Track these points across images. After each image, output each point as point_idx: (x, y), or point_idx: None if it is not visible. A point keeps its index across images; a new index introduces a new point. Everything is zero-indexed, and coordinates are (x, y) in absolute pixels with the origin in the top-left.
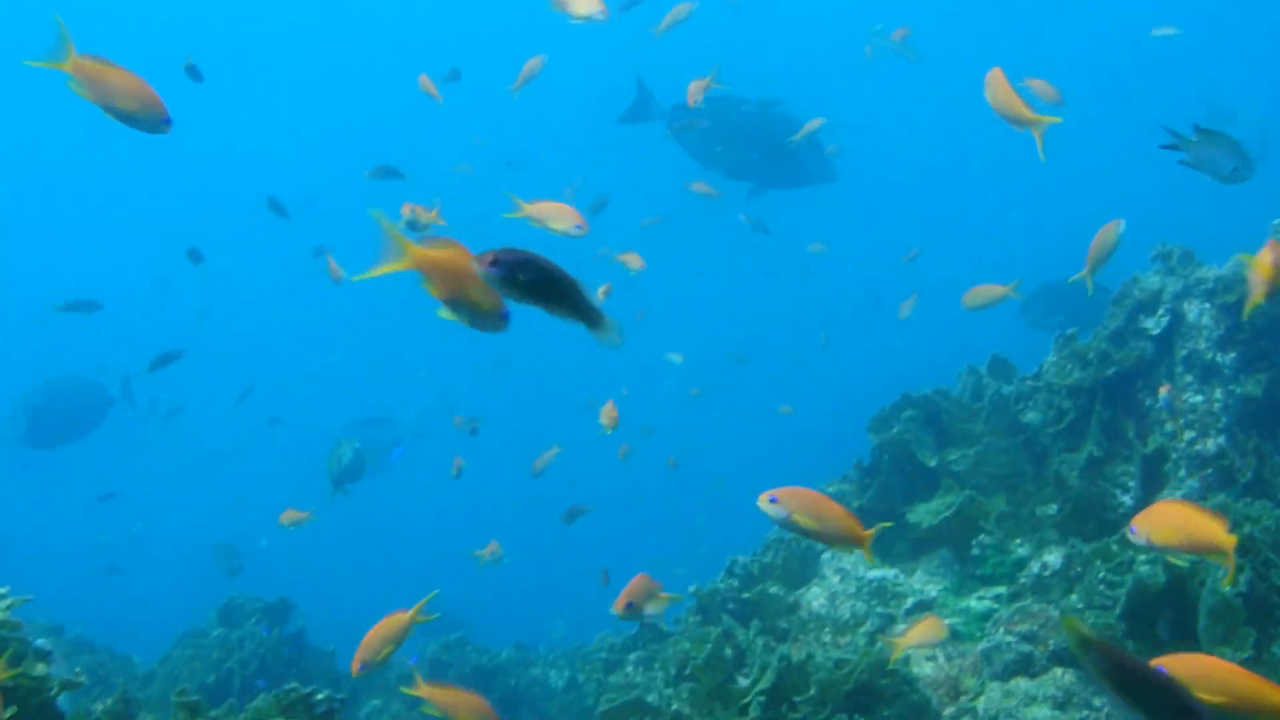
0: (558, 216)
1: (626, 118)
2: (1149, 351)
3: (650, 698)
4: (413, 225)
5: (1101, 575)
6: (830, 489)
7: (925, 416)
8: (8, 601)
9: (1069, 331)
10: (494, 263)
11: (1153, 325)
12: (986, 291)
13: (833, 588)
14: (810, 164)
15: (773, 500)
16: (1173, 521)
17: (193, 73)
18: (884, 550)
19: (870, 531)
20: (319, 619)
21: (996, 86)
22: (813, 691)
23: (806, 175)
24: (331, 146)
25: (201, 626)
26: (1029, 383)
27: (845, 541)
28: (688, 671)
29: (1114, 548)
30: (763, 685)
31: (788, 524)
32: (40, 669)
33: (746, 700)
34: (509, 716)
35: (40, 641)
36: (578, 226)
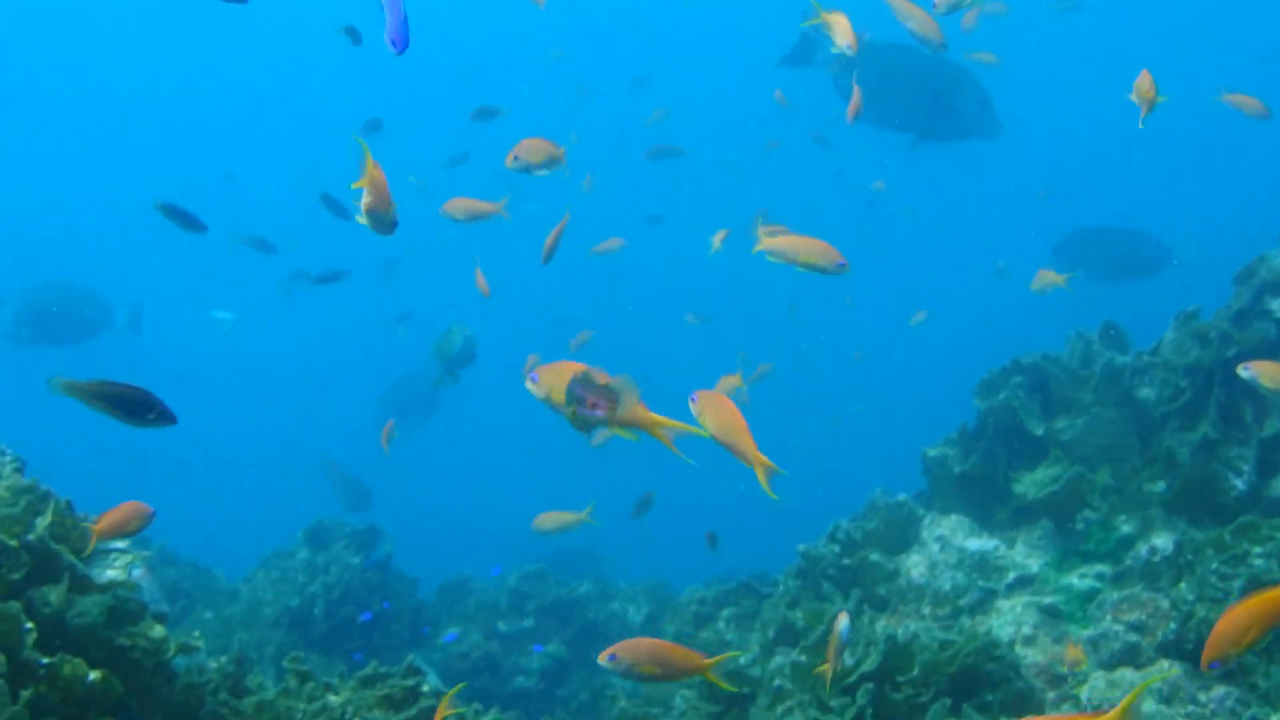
0: (814, 253)
1: (787, 61)
2: (1272, 334)
3: (743, 660)
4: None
5: (1214, 566)
6: (933, 452)
7: (1033, 383)
8: (126, 559)
9: (1190, 309)
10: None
11: (1279, 308)
12: (1046, 277)
13: (933, 556)
14: (971, 117)
15: (692, 399)
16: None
17: (353, 35)
18: (984, 518)
19: (766, 461)
20: (402, 540)
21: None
22: (916, 672)
23: (966, 129)
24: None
25: (289, 547)
26: (1145, 358)
27: (743, 458)
28: (799, 653)
29: (1227, 538)
30: (868, 667)
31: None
32: (158, 631)
33: (851, 680)
34: (587, 650)
35: (156, 600)
36: (839, 265)
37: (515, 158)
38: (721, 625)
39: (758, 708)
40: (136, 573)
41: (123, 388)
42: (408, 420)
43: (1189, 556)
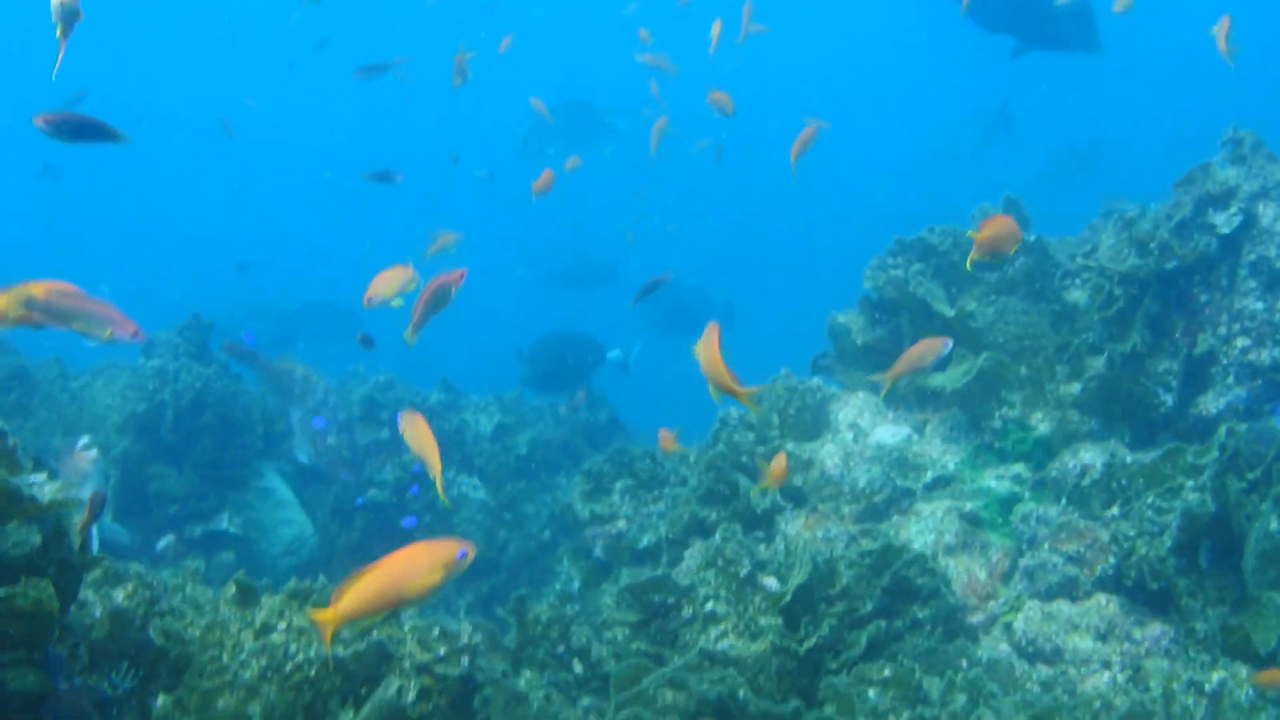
0: None
1: None
2: (1213, 248)
3: (647, 541)
4: None
5: (1150, 500)
6: (841, 319)
7: (934, 270)
8: (54, 485)
9: (1130, 213)
10: None
11: (1223, 223)
12: None
13: (847, 446)
14: (1071, 29)
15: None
16: None
17: None
18: (890, 395)
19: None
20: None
21: None
22: (846, 582)
23: (1066, 39)
24: None
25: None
26: (1079, 260)
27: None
28: (730, 580)
29: (1159, 467)
30: (799, 580)
31: None
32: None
33: (786, 602)
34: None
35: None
36: None
37: None
38: (615, 497)
39: (688, 627)
40: None
41: None
42: None
43: (1121, 481)
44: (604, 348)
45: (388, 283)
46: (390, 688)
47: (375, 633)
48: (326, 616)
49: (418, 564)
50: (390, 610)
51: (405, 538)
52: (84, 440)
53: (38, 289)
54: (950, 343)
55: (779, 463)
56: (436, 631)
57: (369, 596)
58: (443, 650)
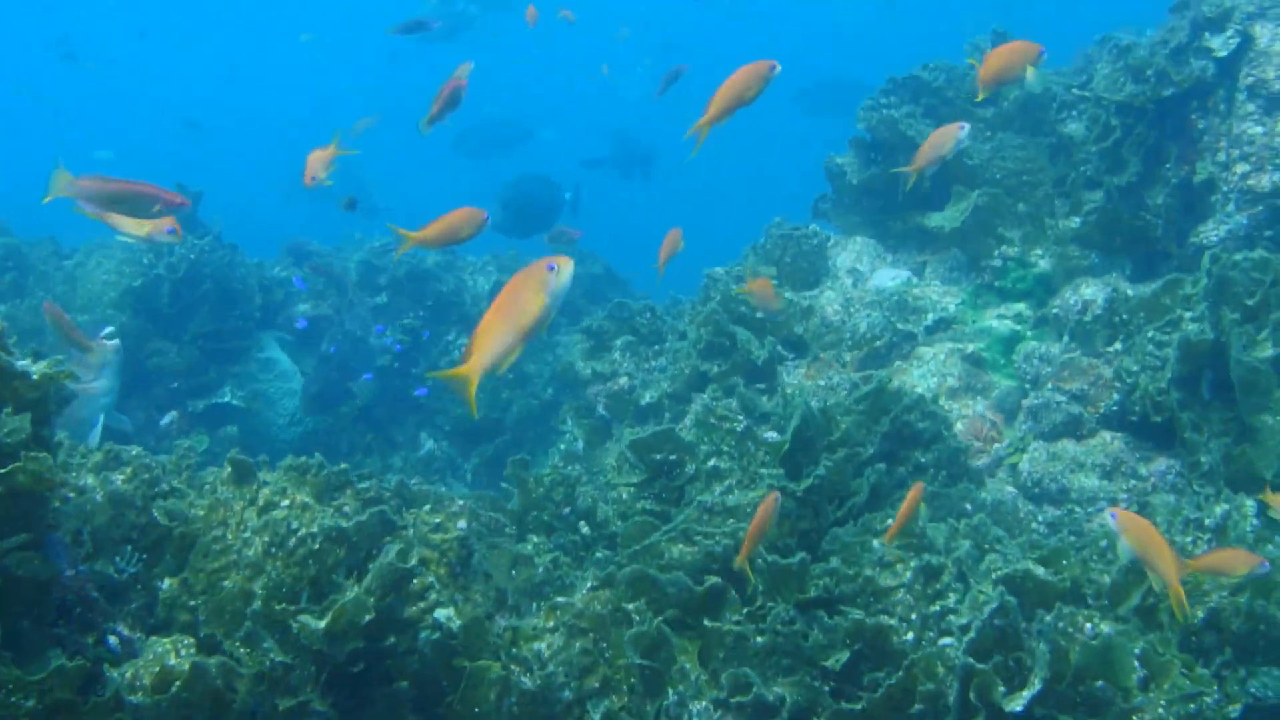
0: None
1: None
2: (1210, 73)
3: (649, 397)
4: None
5: (1150, 335)
6: (838, 160)
7: (925, 109)
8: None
9: (1125, 41)
10: None
11: (1219, 46)
12: None
13: (846, 292)
14: None
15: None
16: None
17: None
18: (886, 236)
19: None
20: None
21: None
22: (845, 428)
23: None
24: None
25: None
26: (1075, 91)
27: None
28: (731, 436)
29: (1160, 299)
30: (793, 425)
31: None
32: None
33: (787, 450)
34: (440, 320)
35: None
36: None
37: None
38: (617, 355)
39: (692, 484)
40: None
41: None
42: None
43: (1123, 316)
44: (561, 187)
45: (318, 162)
46: (390, 552)
47: (375, 505)
48: (466, 371)
49: (522, 295)
50: (520, 346)
51: (410, 404)
52: (108, 329)
53: (85, 181)
54: (967, 126)
55: (757, 283)
56: (431, 502)
57: (496, 342)
58: (439, 519)
